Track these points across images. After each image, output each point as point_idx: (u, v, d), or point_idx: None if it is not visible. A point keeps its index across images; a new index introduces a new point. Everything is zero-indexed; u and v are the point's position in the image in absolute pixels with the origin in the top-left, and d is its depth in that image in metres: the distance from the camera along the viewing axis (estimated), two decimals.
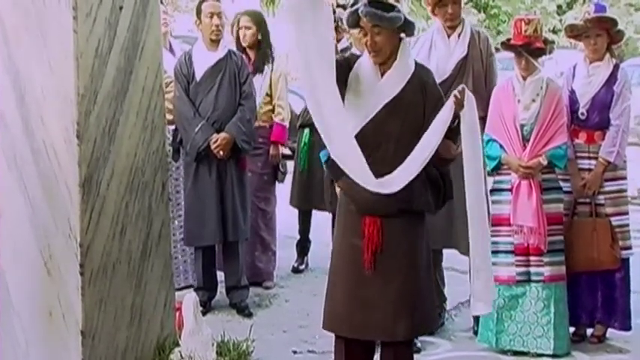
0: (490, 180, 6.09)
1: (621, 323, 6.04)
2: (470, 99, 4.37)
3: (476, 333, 6.16)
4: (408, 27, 4.44)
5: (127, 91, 4.25)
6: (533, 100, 5.81)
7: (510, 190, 5.84)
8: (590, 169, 5.92)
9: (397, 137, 4.35)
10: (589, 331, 6.15)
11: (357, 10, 4.38)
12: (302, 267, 7.84)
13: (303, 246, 7.92)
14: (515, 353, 5.88)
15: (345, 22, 4.55)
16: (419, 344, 6.06)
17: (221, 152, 6.52)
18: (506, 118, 5.83)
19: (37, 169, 4.15)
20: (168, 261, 4.59)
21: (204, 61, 6.65)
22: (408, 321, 4.39)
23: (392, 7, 4.37)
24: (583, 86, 5.98)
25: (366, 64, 4.48)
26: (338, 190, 4.54)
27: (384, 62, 4.44)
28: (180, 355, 4.42)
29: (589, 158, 5.92)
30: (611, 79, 5.96)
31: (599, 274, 5.97)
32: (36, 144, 4.14)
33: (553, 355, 5.82)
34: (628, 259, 6.02)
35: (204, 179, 6.62)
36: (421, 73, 4.51)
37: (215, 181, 6.61)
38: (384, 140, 4.33)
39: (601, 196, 5.93)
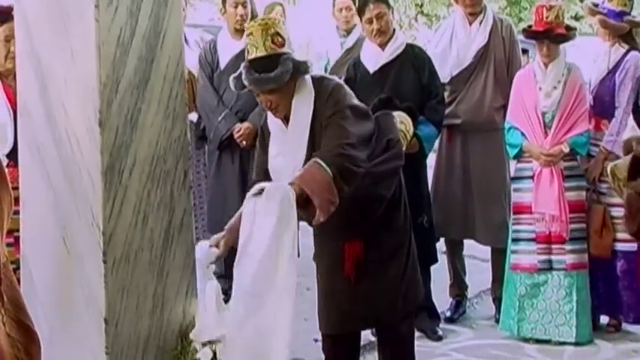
0: (512, 167, 6.10)
1: (634, 316, 6.00)
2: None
3: (497, 321, 6.17)
4: (299, 70, 4.17)
5: (149, 80, 4.25)
6: (555, 88, 5.80)
7: (532, 177, 5.84)
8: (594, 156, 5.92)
9: None
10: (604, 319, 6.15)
11: (240, 76, 4.18)
12: None
13: None
14: (537, 341, 5.89)
15: (232, 86, 4.34)
16: (440, 332, 6.07)
17: (244, 142, 6.53)
18: (527, 105, 5.82)
19: (60, 158, 4.16)
20: (190, 249, 4.59)
21: (228, 49, 6.67)
22: (405, 299, 4.41)
23: (276, 59, 4.13)
24: (593, 70, 5.96)
25: (272, 119, 4.33)
26: None
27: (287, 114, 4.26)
28: (203, 343, 4.43)
29: (596, 145, 5.90)
30: (617, 66, 5.92)
31: (601, 263, 5.93)
32: (58, 133, 4.15)
33: (575, 344, 5.81)
34: (634, 252, 5.95)
35: (227, 168, 6.65)
36: (319, 98, 4.22)
37: (238, 169, 6.64)
38: None
39: (604, 185, 5.90)
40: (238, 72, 4.22)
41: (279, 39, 4.16)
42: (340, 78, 4.40)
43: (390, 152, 4.32)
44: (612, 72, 5.93)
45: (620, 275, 5.96)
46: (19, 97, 4.46)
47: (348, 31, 7.74)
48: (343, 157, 4.03)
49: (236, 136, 6.53)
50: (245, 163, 6.65)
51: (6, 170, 3.65)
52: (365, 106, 4.42)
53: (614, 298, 5.99)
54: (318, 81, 4.27)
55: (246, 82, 4.15)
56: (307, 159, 4.16)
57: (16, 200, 4.65)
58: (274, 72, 4.08)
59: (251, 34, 4.17)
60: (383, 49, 5.99)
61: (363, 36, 7.63)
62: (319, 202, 3.97)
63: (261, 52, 4.12)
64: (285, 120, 4.27)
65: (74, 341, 4.20)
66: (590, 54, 6.24)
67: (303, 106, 4.19)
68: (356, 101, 4.34)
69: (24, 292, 4.29)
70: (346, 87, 4.41)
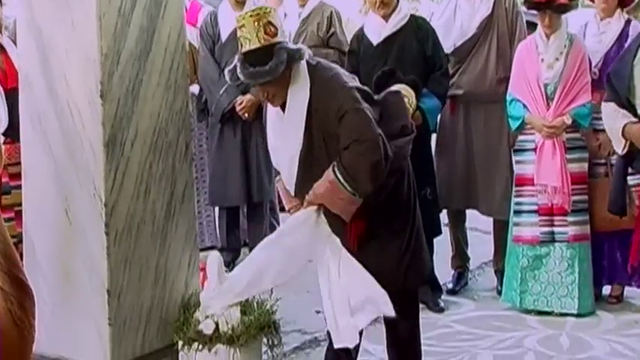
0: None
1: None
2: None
3: (499, 293, 6.17)
4: (293, 58, 4.11)
5: (150, 51, 4.25)
6: (557, 59, 5.76)
7: (534, 149, 5.81)
8: (604, 130, 5.81)
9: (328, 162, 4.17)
10: (605, 291, 6.15)
11: (235, 69, 4.12)
12: None
13: None
14: (539, 313, 5.89)
15: (227, 78, 4.28)
16: (442, 304, 6.08)
17: (246, 114, 6.52)
18: (529, 77, 5.79)
19: (61, 130, 4.17)
20: (192, 221, 4.61)
21: (229, 21, 6.61)
22: (409, 271, 4.37)
23: (270, 50, 4.05)
24: (594, 44, 5.89)
25: (270, 109, 4.33)
26: None
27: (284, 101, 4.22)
28: (205, 314, 4.45)
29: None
30: (623, 35, 5.86)
31: (618, 233, 5.91)
32: (60, 104, 4.16)
33: (577, 315, 5.82)
34: None
35: (228, 140, 6.64)
36: (315, 85, 4.17)
37: (240, 142, 6.63)
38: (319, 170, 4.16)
39: (616, 156, 5.84)
40: (233, 65, 4.18)
41: (272, 28, 4.11)
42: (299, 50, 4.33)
43: (404, 139, 4.31)
44: (619, 41, 5.87)
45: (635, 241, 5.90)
46: (20, 70, 4.47)
47: (305, 1, 7.73)
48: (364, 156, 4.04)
49: (238, 108, 6.52)
50: (247, 136, 6.65)
51: None
52: (366, 88, 4.41)
53: (624, 266, 5.95)
54: (313, 68, 4.22)
55: (241, 76, 4.10)
56: (304, 144, 4.17)
57: (18, 175, 4.68)
58: (269, 64, 4.04)
59: (243, 26, 4.11)
60: (386, 21, 5.96)
61: (319, 5, 7.60)
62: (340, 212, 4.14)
63: (254, 45, 4.08)
64: (283, 106, 4.26)
65: (77, 312, 4.22)
66: (580, 25, 6.18)
67: (298, 94, 4.17)
68: (356, 83, 4.34)
69: (26, 264, 4.33)
70: (342, 71, 4.39)
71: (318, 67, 4.25)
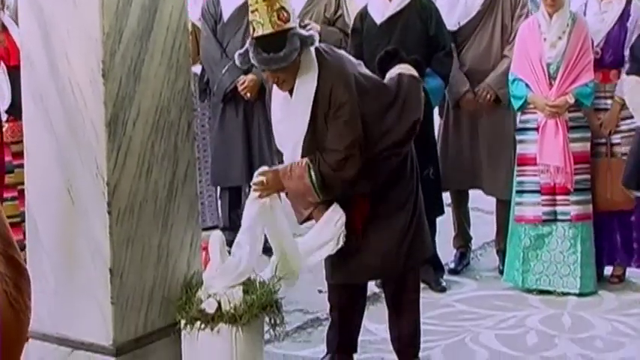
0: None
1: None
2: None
3: (501, 272, 6.18)
4: (305, 44, 4.14)
5: (152, 31, 4.23)
6: (560, 38, 5.75)
7: (536, 129, 5.81)
8: (606, 109, 5.83)
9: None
10: (607, 270, 6.15)
11: (247, 53, 4.15)
12: None
13: None
14: (541, 292, 5.90)
15: (237, 62, 4.36)
16: (444, 283, 6.09)
17: (248, 94, 6.51)
18: (532, 57, 5.78)
19: (63, 109, 4.16)
20: (194, 201, 4.60)
21: (231, 1, 6.61)
22: (410, 251, 4.45)
23: (284, 36, 4.08)
24: (595, 23, 5.87)
25: (276, 90, 4.35)
26: None
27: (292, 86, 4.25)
28: (208, 294, 4.46)
29: (605, 98, 5.82)
30: (624, 15, 5.84)
31: (617, 214, 5.92)
32: (61, 83, 4.15)
33: (579, 294, 5.83)
34: None
35: (231, 120, 6.64)
36: (322, 71, 4.20)
37: (242, 122, 6.62)
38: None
39: (617, 136, 5.84)
40: (244, 49, 4.21)
41: (285, 14, 4.12)
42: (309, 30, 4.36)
43: (412, 132, 4.38)
44: (621, 20, 5.84)
45: (635, 222, 5.89)
46: (21, 47, 4.45)
47: None
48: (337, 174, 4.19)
49: (240, 88, 6.51)
50: (249, 116, 6.64)
51: None
52: (376, 77, 4.43)
53: (630, 246, 5.96)
54: (322, 55, 4.25)
55: (254, 61, 4.13)
56: (309, 129, 4.22)
57: (21, 153, 4.68)
58: (283, 51, 4.06)
59: (256, 10, 4.12)
60: (390, 0, 5.94)
61: None
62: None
63: (267, 30, 4.08)
64: (290, 90, 4.27)
65: (80, 291, 4.22)
66: (580, 4, 6.17)
67: (307, 81, 4.20)
68: (364, 70, 4.38)
69: (29, 243, 4.33)
70: (348, 58, 4.44)
71: (326, 54, 4.26)
